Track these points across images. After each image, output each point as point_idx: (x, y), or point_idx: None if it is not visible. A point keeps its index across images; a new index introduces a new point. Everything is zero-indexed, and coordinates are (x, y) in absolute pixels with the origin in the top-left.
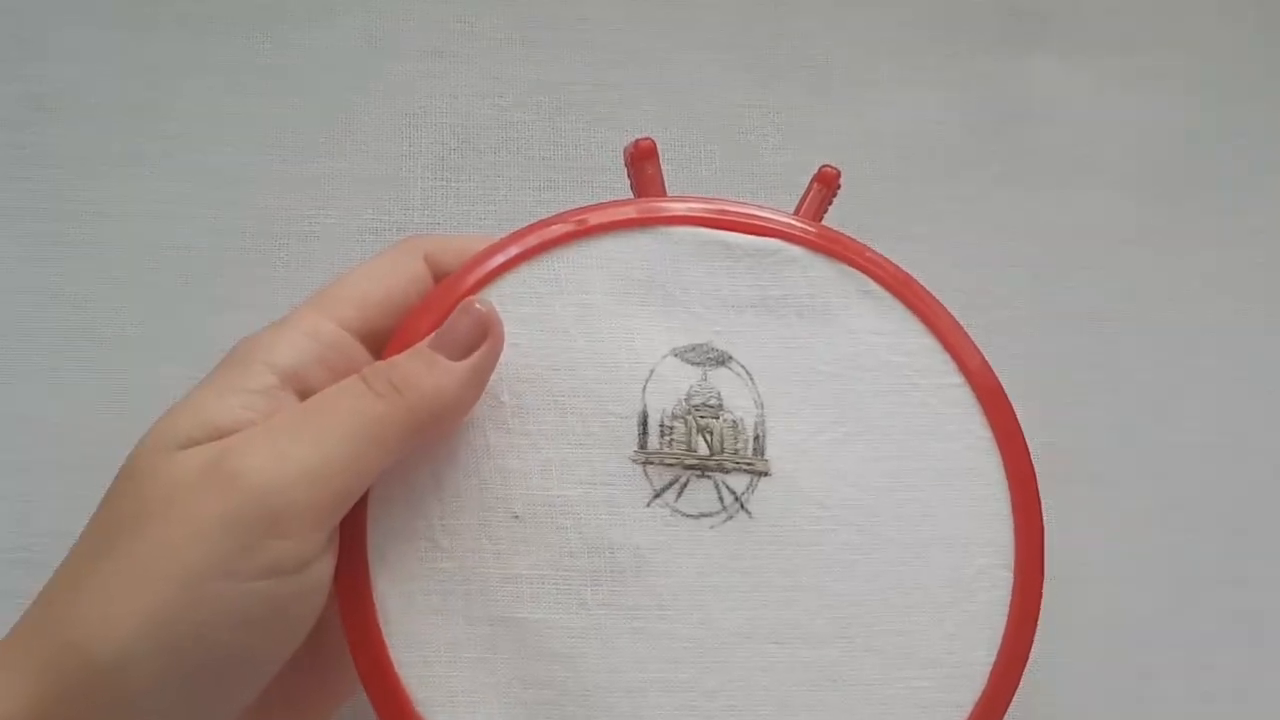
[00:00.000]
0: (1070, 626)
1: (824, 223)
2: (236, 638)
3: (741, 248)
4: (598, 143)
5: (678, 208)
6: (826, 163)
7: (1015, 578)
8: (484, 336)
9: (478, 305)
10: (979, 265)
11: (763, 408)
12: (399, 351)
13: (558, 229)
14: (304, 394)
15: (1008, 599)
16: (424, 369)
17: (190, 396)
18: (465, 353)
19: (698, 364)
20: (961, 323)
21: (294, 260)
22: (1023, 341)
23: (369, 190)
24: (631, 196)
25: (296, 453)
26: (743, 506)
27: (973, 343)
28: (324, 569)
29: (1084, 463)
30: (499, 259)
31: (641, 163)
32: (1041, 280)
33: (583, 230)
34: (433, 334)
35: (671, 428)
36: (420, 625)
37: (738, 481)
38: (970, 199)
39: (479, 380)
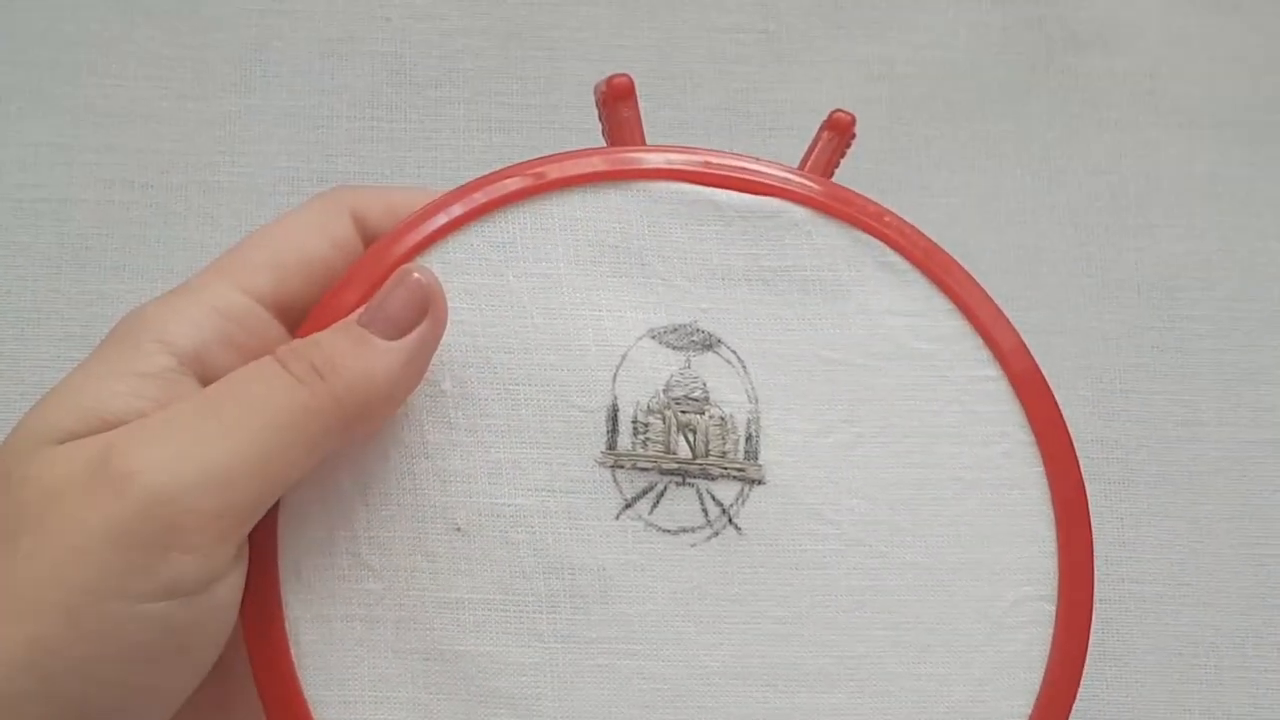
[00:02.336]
0: (1123, 659)
1: (835, 180)
2: (129, 673)
3: (735, 209)
4: (560, 75)
5: (658, 159)
6: (838, 107)
7: (1058, 612)
8: (424, 311)
9: (416, 274)
10: (1019, 224)
11: (757, 402)
12: (320, 328)
13: (513, 183)
14: (206, 379)
15: (1049, 638)
16: (352, 349)
17: (69, 381)
18: (401, 330)
19: (679, 348)
20: (997, 299)
21: (194, 216)
22: (1072, 315)
23: (284, 133)
24: (603, 144)
25: (199, 450)
26: (731, 521)
27: (1013, 328)
28: (231, 588)
29: (1144, 462)
30: (441, 218)
31: (615, 104)
32: (1096, 241)
33: (543, 185)
34: (362, 307)
35: (646, 425)
36: (341, 658)
37: (726, 491)
38: (1009, 143)
39: (418, 364)
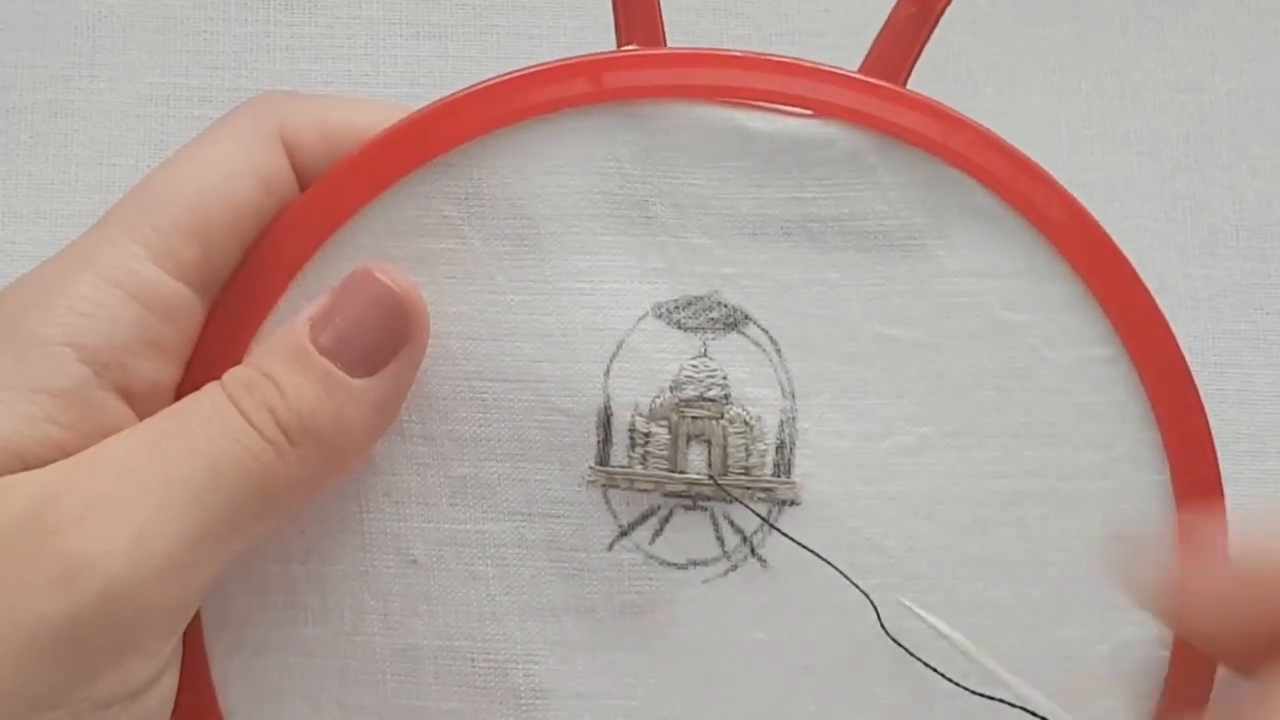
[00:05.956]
0: None
1: (911, 86)
2: None
3: (771, 138)
4: None
5: (665, 75)
6: None
7: (1174, 658)
8: (402, 337)
9: (389, 283)
10: (1085, 155)
11: (794, 398)
12: (240, 298)
13: (474, 112)
14: (127, 391)
15: (1157, 691)
16: (320, 395)
17: None
18: (375, 363)
19: (694, 329)
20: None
21: (42, 145)
22: (1153, 270)
23: (156, 40)
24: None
25: (164, 531)
26: (754, 552)
27: (1144, 288)
28: (171, 681)
29: (1245, 455)
30: (386, 162)
31: None
32: (1182, 176)
33: (514, 113)
34: (318, 318)
35: (647, 435)
36: (276, 717)
37: (748, 514)
38: (1071, 52)
39: (395, 403)
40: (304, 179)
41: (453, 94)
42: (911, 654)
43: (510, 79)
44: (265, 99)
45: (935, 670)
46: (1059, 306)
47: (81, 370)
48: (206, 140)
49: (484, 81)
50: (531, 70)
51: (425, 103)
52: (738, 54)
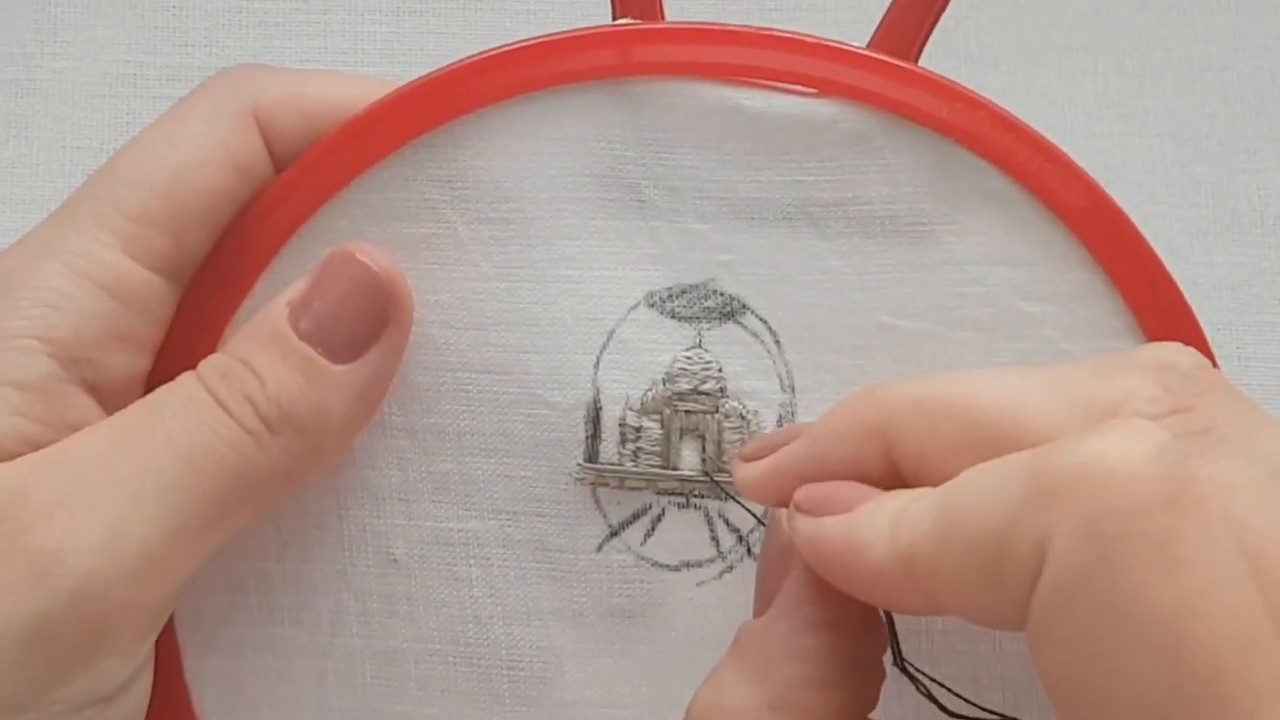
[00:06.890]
0: None
1: (923, 63)
2: None
3: (772, 118)
4: None
5: (657, 52)
6: None
7: None
8: (384, 321)
9: (370, 264)
10: (1101, 136)
11: (793, 391)
12: (213, 285)
13: (459, 90)
14: (95, 386)
15: None
16: (301, 383)
17: None
18: (356, 348)
19: (688, 319)
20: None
21: (2, 128)
22: (1173, 258)
23: (123, 15)
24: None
25: (139, 526)
26: (750, 552)
27: (1172, 281)
28: (146, 684)
29: None
30: (366, 141)
31: None
32: (1204, 160)
33: (498, 90)
34: (297, 302)
35: (639, 430)
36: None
37: (744, 513)
38: (1087, 29)
39: (378, 391)
40: (280, 158)
41: (435, 71)
42: (916, 670)
43: (496, 55)
44: (239, 73)
45: (939, 683)
46: (1078, 297)
47: (49, 364)
48: (177, 119)
49: (468, 58)
50: (518, 45)
51: (406, 81)
52: (737, 29)
